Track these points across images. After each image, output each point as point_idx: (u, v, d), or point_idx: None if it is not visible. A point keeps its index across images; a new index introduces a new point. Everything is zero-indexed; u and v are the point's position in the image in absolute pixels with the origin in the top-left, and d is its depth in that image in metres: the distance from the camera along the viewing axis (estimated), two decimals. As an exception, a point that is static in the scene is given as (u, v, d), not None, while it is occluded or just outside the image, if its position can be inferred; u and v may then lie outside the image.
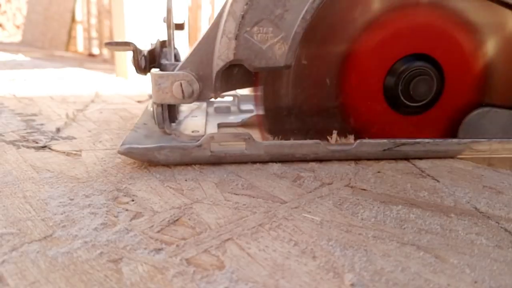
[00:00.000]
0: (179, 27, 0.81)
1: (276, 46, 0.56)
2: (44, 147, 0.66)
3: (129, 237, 0.39)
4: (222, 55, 0.56)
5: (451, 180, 0.55)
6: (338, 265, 0.36)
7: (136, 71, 0.64)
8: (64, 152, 0.63)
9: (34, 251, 0.37)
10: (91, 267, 0.35)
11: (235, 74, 0.61)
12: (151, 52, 0.69)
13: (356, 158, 0.61)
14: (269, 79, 0.63)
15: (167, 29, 0.67)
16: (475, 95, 0.66)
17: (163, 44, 0.73)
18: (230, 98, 0.93)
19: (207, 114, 0.84)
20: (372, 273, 0.35)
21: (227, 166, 0.58)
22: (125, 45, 0.63)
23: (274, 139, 0.64)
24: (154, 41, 0.74)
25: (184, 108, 0.86)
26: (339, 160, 0.61)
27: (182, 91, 0.58)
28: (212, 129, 0.74)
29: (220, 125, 0.78)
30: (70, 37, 3.72)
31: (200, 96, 0.60)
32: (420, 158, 0.62)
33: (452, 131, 0.67)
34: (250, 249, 0.38)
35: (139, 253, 0.37)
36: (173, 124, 0.70)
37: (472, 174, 0.57)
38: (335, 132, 0.64)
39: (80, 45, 3.70)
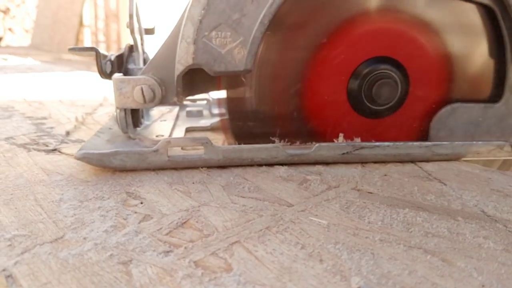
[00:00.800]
0: (149, 31, 0.81)
1: (235, 51, 0.56)
2: (54, 150, 0.66)
3: (138, 240, 0.40)
4: (182, 59, 0.56)
5: (458, 183, 0.55)
6: (345, 268, 0.36)
7: (100, 75, 0.63)
8: (73, 155, 0.64)
9: (46, 252, 0.38)
10: (101, 269, 0.35)
11: (198, 78, 0.61)
12: (119, 56, 0.69)
13: (315, 162, 0.61)
14: (232, 83, 0.63)
15: (131, 34, 0.67)
16: (442, 93, 0.65)
17: (131, 48, 0.73)
18: (204, 102, 0.93)
19: (177, 118, 0.83)
20: (379, 276, 0.35)
21: (233, 169, 0.59)
22: (88, 50, 0.62)
23: (239, 143, 0.64)
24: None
25: (155, 112, 0.85)
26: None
27: (143, 95, 0.58)
28: (179, 133, 0.74)
29: (188, 129, 0.77)
30: (77, 40, 3.75)
31: (163, 101, 0.60)
32: (383, 162, 0.62)
33: (424, 132, 0.66)
34: (257, 252, 0.38)
35: (148, 255, 0.38)
36: (139, 129, 0.69)
37: (479, 177, 0.57)
38: (341, 135, 0.64)
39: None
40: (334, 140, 0.64)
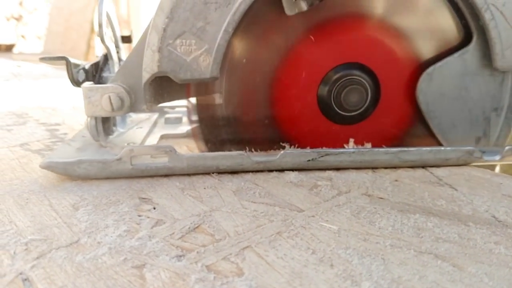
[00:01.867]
0: (126, 39, 0.81)
1: (200, 58, 0.56)
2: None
3: (152, 244, 0.41)
4: (147, 67, 0.57)
5: (469, 188, 0.55)
6: (356, 273, 0.36)
7: (72, 84, 0.64)
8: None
9: (61, 257, 0.39)
10: (115, 273, 0.36)
11: (169, 85, 0.61)
12: (95, 65, 0.69)
13: (281, 169, 0.60)
14: (201, 90, 0.63)
15: (102, 43, 0.67)
16: (414, 99, 0.64)
17: (107, 57, 0.73)
18: (184, 109, 0.92)
19: (154, 125, 0.82)
20: (389, 281, 0.35)
21: (244, 174, 0.59)
22: (59, 59, 0.63)
23: (211, 150, 0.64)
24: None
25: (133, 119, 0.85)
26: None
27: (111, 103, 0.58)
28: (153, 140, 0.73)
29: (163, 136, 0.77)
30: (89, 47, 3.80)
31: (132, 108, 0.60)
32: (348, 169, 0.62)
33: (399, 139, 0.66)
34: (268, 257, 0.39)
35: (161, 259, 0.38)
36: (111, 136, 0.69)
37: (490, 183, 0.57)
38: (351, 140, 0.65)
39: (99, 55, 3.77)
40: (345, 145, 0.64)
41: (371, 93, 0.63)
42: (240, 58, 0.62)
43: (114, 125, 0.70)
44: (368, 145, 0.64)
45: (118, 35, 0.78)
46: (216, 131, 0.64)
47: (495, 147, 0.65)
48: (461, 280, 0.35)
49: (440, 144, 0.65)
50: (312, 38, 0.61)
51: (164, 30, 0.55)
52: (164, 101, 0.65)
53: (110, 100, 0.58)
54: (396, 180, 0.58)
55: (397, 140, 0.66)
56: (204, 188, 0.55)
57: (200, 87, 0.63)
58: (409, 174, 0.60)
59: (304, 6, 0.56)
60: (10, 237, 0.42)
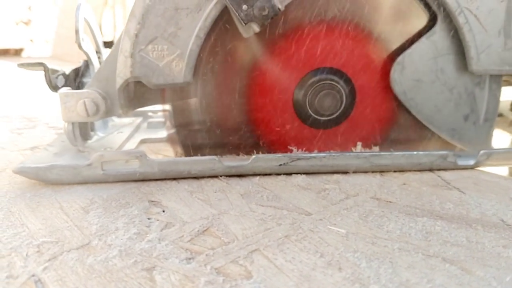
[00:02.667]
0: (108, 45, 0.81)
1: (173, 63, 0.57)
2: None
3: (161, 247, 0.41)
4: (121, 73, 0.57)
5: (477, 192, 0.55)
6: (364, 276, 0.37)
7: (51, 89, 0.64)
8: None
9: (73, 259, 0.39)
10: (126, 275, 0.37)
11: (143, 91, 0.62)
12: (76, 70, 0.70)
13: (254, 173, 0.60)
14: (177, 95, 0.63)
15: (80, 49, 0.68)
16: (391, 103, 0.64)
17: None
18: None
19: (136, 129, 0.82)
20: (397, 285, 0.35)
21: (252, 177, 0.60)
22: (37, 65, 0.63)
23: (187, 155, 0.64)
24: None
25: (115, 123, 0.84)
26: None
27: (86, 109, 0.59)
28: (132, 145, 0.73)
29: (143, 141, 0.77)
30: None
31: (108, 113, 0.61)
32: (320, 173, 0.61)
33: (373, 142, 0.66)
34: (277, 260, 0.39)
35: (170, 262, 0.39)
36: (90, 141, 0.69)
37: (499, 186, 0.57)
38: (359, 144, 0.65)
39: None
40: (352, 149, 0.65)
41: (346, 97, 0.63)
42: (215, 63, 0.61)
43: (92, 130, 0.70)
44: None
45: (100, 40, 0.79)
46: (192, 136, 0.64)
47: (471, 151, 0.64)
48: (469, 284, 0.36)
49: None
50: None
51: (136, 35, 0.55)
52: (140, 106, 0.66)
53: (85, 105, 0.59)
54: (404, 184, 0.58)
55: (383, 138, 0.66)
56: (213, 192, 0.55)
57: (175, 92, 0.63)
58: (417, 178, 0.60)
59: (256, 28, 0.56)
60: (22, 239, 0.43)
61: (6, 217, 0.48)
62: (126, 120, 0.87)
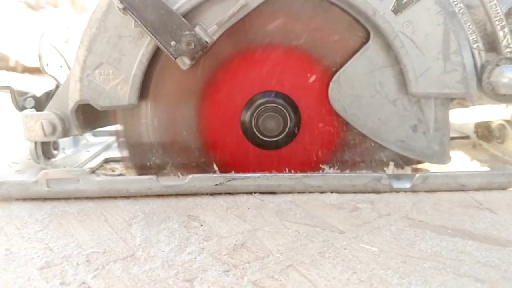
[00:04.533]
0: None
1: (118, 87, 0.60)
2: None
3: (201, 259, 0.44)
4: (72, 96, 0.61)
5: (509, 213, 0.55)
6: (396, 293, 0.38)
7: (17, 110, 0.67)
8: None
9: (119, 268, 0.42)
10: (168, 285, 0.39)
11: (97, 112, 0.64)
12: (47, 93, 0.73)
13: (190, 193, 0.61)
14: (127, 116, 0.64)
15: (43, 73, 0.70)
16: (337, 125, 0.64)
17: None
18: None
19: (104, 148, 0.83)
20: (428, 302, 0.36)
21: (284, 195, 0.61)
22: (4, 88, 0.67)
23: (141, 174, 0.65)
24: None
25: (88, 142, 0.86)
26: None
27: (43, 129, 0.62)
28: (94, 164, 0.75)
29: (106, 160, 0.78)
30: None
31: (65, 133, 0.64)
32: (254, 193, 0.62)
33: (321, 162, 0.65)
34: (311, 276, 0.41)
35: (209, 274, 0.41)
36: (54, 160, 0.71)
37: (533, 208, 0.57)
38: (391, 163, 0.66)
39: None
40: (385, 168, 0.66)
41: (290, 119, 0.64)
42: (164, 86, 0.64)
43: (56, 148, 0.73)
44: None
45: (71, 64, 0.82)
46: (144, 156, 0.66)
47: (408, 174, 0.64)
48: (501, 304, 0.36)
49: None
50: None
51: (84, 61, 0.59)
52: (96, 127, 0.70)
53: (42, 126, 0.63)
54: (436, 204, 0.58)
55: (331, 158, 0.66)
56: (248, 208, 0.57)
57: (126, 114, 0.65)
58: (449, 198, 0.60)
59: (187, 61, 0.59)
60: (72, 249, 0.46)
61: (57, 228, 0.52)
62: (99, 139, 0.90)
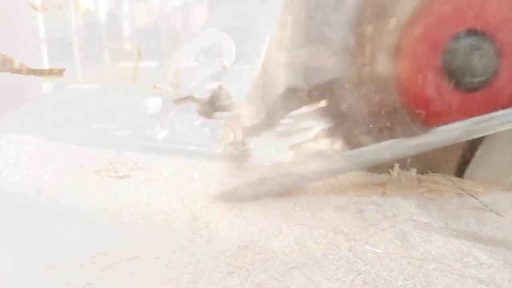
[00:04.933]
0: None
1: None
2: (124, 176, 0.72)
3: (205, 260, 0.44)
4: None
5: (515, 215, 0.55)
6: (400, 295, 0.38)
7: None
8: (143, 181, 0.69)
9: (123, 269, 0.42)
10: (174, 287, 0.39)
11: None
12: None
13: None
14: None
15: None
16: None
17: None
18: None
19: None
20: (433, 304, 0.36)
21: (291, 198, 0.61)
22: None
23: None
24: None
25: None
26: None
27: None
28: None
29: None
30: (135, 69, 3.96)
31: None
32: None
33: None
34: (315, 277, 0.41)
35: (214, 275, 0.41)
36: None
37: (538, 210, 0.57)
38: (396, 166, 0.66)
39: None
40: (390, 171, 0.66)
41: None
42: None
43: None
44: None
45: None
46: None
47: None
48: (506, 306, 0.36)
49: None
50: None
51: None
52: None
53: None
54: (442, 206, 0.58)
55: None
56: (252, 210, 0.57)
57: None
58: (455, 200, 0.60)
59: None
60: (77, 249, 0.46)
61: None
62: None
